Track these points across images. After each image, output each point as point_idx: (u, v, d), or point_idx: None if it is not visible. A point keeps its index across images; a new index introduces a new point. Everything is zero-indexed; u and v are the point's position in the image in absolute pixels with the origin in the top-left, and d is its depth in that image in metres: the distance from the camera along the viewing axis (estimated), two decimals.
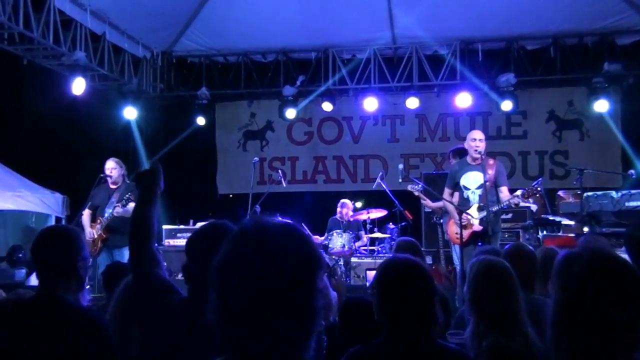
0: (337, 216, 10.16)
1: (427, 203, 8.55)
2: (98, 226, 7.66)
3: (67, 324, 2.59)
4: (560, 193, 9.41)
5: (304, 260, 1.39)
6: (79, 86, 8.72)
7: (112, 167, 7.86)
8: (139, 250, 2.50)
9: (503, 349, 2.89)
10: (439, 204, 7.96)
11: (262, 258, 1.36)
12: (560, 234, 8.46)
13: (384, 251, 9.86)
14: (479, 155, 7.08)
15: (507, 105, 10.29)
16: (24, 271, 8.62)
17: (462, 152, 7.87)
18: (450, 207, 7.21)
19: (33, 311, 2.65)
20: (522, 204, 7.30)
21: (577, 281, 1.39)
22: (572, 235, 8.04)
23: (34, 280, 7.52)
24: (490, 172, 7.09)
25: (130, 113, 10.60)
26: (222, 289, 1.39)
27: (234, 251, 1.41)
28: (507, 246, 4.31)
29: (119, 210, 7.47)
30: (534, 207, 8.82)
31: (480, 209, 7.00)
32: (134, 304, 2.52)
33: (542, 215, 8.89)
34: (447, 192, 7.41)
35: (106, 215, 7.63)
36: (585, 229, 7.82)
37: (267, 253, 1.37)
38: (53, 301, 2.67)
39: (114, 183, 7.87)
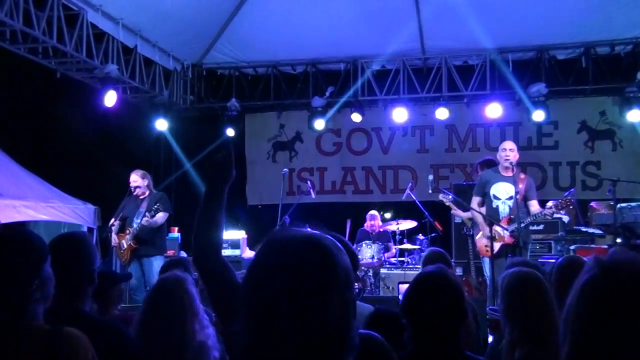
0: (366, 227, 10.13)
1: (458, 212, 8.48)
2: (128, 236, 7.75)
3: (92, 337, 2.45)
4: (592, 204, 9.27)
5: (322, 274, 1.34)
6: (110, 98, 8.83)
7: (133, 180, 7.98)
8: (207, 261, 2.07)
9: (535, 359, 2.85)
10: (470, 214, 7.89)
11: (279, 270, 1.34)
12: (593, 245, 8.33)
13: (413, 262, 9.79)
14: (510, 166, 7.01)
15: (538, 116, 10.16)
16: None
17: (489, 164, 7.80)
18: (480, 219, 7.13)
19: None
20: (554, 215, 7.21)
21: (583, 291, 1.32)
22: (605, 246, 7.92)
23: None
24: (521, 186, 7.02)
25: (161, 125, 10.78)
26: (246, 301, 1.37)
27: (257, 262, 1.41)
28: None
29: (147, 220, 7.56)
30: (565, 219, 8.71)
31: (511, 221, 6.92)
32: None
33: (575, 227, 8.76)
34: (475, 200, 7.33)
35: (135, 225, 7.72)
36: (619, 241, 7.68)
37: (284, 265, 1.34)
38: (72, 314, 2.58)
39: (141, 194, 7.97)
